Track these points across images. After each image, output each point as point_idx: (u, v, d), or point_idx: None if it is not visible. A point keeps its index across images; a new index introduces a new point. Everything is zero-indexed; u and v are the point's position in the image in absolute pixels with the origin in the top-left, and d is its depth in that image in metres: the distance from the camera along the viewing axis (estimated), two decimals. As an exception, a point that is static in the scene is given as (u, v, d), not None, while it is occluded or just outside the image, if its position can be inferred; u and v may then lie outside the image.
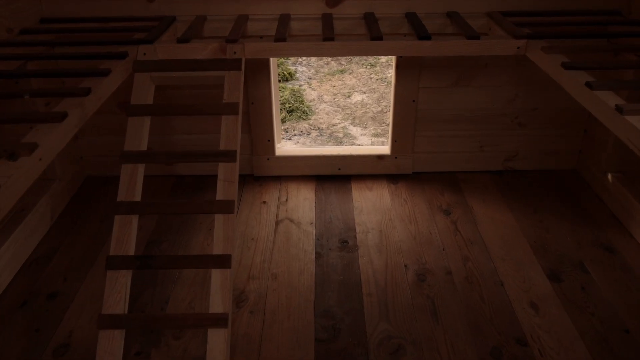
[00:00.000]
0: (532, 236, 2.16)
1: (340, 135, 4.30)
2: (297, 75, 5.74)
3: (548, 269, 1.97)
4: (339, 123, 4.59)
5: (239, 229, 2.24)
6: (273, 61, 2.53)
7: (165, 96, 2.46)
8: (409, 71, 2.39)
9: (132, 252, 1.60)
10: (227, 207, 1.63)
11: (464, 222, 2.26)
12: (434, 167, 2.63)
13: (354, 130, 4.40)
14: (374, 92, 5.27)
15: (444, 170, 2.64)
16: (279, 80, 5.76)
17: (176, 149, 2.59)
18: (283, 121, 4.80)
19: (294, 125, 4.67)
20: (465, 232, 2.19)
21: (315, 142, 3.97)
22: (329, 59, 6.26)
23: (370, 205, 2.40)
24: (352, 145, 3.75)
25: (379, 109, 4.93)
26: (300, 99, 5.10)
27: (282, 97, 5.08)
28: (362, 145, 3.44)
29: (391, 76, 6.19)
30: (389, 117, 2.54)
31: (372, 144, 3.67)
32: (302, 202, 2.43)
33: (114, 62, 1.77)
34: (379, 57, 6.21)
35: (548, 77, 1.76)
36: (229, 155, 1.70)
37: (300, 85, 5.54)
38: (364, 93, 5.33)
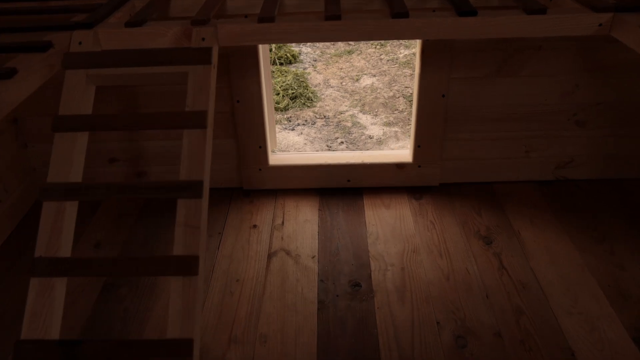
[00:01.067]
0: (604, 276, 1.64)
1: (349, 124, 3.79)
2: (302, 57, 5.21)
3: (633, 328, 1.46)
4: (347, 110, 4.07)
5: (221, 266, 1.74)
6: (264, 46, 2.00)
7: (124, 97, 1.94)
8: (438, 57, 1.85)
9: (54, 334, 1.11)
10: (187, 267, 1.13)
11: (511, 255, 1.74)
12: (467, 178, 2.11)
13: (364, 119, 3.89)
14: (385, 75, 4.74)
15: (479, 181, 2.12)
16: (281, 64, 5.21)
17: (143, 165, 2.08)
18: (285, 109, 4.29)
19: (298, 113, 4.16)
20: (514, 270, 1.68)
21: (320, 133, 3.46)
22: (336, 38, 5.68)
23: (389, 230, 1.89)
24: (362, 136, 3.25)
25: (391, 93, 4.40)
26: (305, 84, 4.59)
27: (284, 82, 4.56)
28: (376, 148, 2.91)
29: (403, 57, 5.60)
30: (412, 116, 2.02)
31: (384, 134, 3.18)
32: (301, 225, 1.93)
33: (29, 56, 1.26)
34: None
35: (620, 63, 1.22)
36: (192, 189, 1.20)
37: (304, 69, 5.01)
38: (374, 76, 4.79)
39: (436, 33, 1.41)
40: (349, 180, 2.11)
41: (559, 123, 2.00)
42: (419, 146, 2.03)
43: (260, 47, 1.89)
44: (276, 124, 4.22)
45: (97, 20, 1.47)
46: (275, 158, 2.11)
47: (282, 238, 1.87)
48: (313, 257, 1.77)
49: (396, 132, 3.79)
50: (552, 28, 1.38)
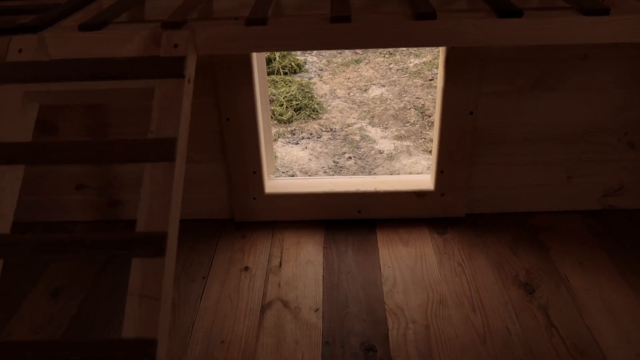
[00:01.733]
0: (678, 338, 1.32)
1: (357, 137, 3.51)
2: (307, 66, 4.94)
3: None
4: (355, 123, 3.79)
5: (203, 323, 1.43)
6: (260, 54, 1.70)
7: (93, 113, 1.65)
8: (466, 68, 1.55)
9: None
10: (140, 356, 0.82)
11: (560, 308, 1.42)
12: (499, 208, 1.80)
13: (373, 132, 3.61)
14: (395, 85, 4.46)
15: (513, 211, 1.80)
16: (285, 73, 4.94)
17: (113, 192, 1.78)
18: (289, 121, 4.01)
19: (303, 125, 3.87)
20: (566, 330, 1.36)
21: (326, 147, 3.20)
22: (342, 46, 5.41)
23: (408, 274, 1.57)
24: (371, 151, 2.98)
25: (401, 105, 4.12)
26: (310, 95, 4.31)
27: (288, 92, 4.29)
28: (387, 163, 2.61)
29: (413, 67, 5.31)
30: (434, 136, 1.71)
31: (395, 148, 2.92)
32: (303, 268, 1.62)
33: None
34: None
35: None
36: (152, 244, 0.89)
37: (310, 79, 4.73)
38: (383, 86, 4.51)
39: (470, 38, 1.10)
40: (359, 211, 1.80)
41: (608, 144, 1.68)
42: (442, 171, 1.72)
43: (255, 55, 1.59)
44: (279, 137, 3.91)
45: (46, 22, 1.17)
46: (273, 185, 1.80)
47: (279, 284, 1.55)
48: (316, 310, 1.46)
49: (408, 146, 3.50)
50: (617, 33, 1.08)
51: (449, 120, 1.63)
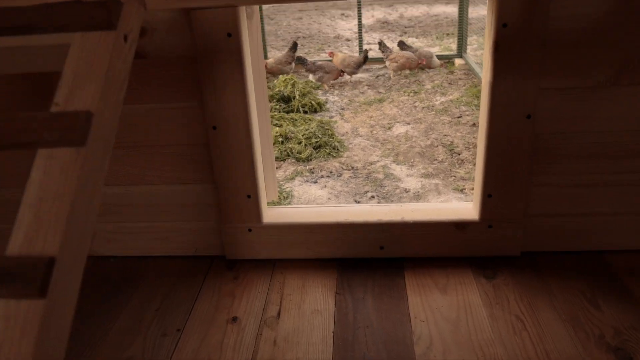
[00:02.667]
0: None
1: (380, 176, 3.18)
2: (328, 105, 4.67)
3: None
4: (378, 161, 3.46)
5: (167, 394, 1.04)
6: (248, 38, 1.37)
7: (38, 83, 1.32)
8: (522, 54, 1.18)
9: None
10: None
11: (673, 384, 0.99)
12: (566, 243, 1.38)
13: (398, 170, 3.27)
14: (420, 123, 4.14)
15: (584, 249, 1.38)
16: (305, 112, 4.67)
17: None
18: (308, 159, 3.69)
19: (322, 164, 3.55)
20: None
21: (347, 186, 2.89)
22: (365, 86, 5.16)
23: (448, 331, 1.16)
24: (396, 190, 2.66)
25: (428, 142, 3.78)
26: (330, 132, 4.01)
27: (307, 130, 3.99)
28: (416, 197, 2.23)
29: (440, 104, 4.93)
30: (478, 148, 1.33)
31: (423, 187, 2.60)
32: (307, 319, 1.22)
33: None
34: (423, 82, 5.08)
35: None
36: (25, 277, 0.52)
37: (330, 117, 4.43)
38: (408, 124, 4.20)
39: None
40: (382, 247, 1.40)
41: None
42: (489, 195, 1.33)
43: (246, 43, 1.25)
44: (296, 176, 3.57)
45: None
46: (273, 213, 1.43)
47: (275, 341, 1.16)
48: (323, 379, 1.05)
49: (437, 184, 3.12)
50: None
51: (499, 127, 1.25)
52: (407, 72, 5.30)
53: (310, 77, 5.15)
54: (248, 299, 1.30)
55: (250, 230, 1.39)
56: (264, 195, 1.41)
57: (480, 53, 5.72)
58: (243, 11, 1.20)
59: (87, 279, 1.35)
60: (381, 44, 5.53)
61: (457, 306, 1.23)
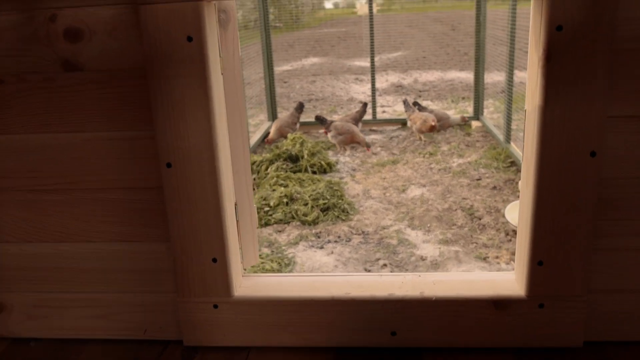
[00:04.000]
0: None
1: (394, 242, 2.82)
2: (338, 166, 4.39)
3: None
4: (392, 225, 3.12)
5: None
6: (217, 47, 1.06)
7: None
8: (582, 70, 0.87)
9: None
10: None
11: None
12: (647, 332, 1.01)
13: (413, 235, 2.92)
14: (437, 185, 3.82)
15: (674, 341, 1.00)
16: (314, 172, 4.39)
17: None
18: (314, 223, 3.37)
19: (330, 228, 3.23)
20: None
21: (357, 252, 2.56)
22: (378, 147, 4.91)
23: None
24: (411, 257, 2.36)
25: (446, 205, 3.45)
26: (340, 194, 3.70)
27: (315, 190, 3.69)
28: (433, 266, 1.88)
29: (457, 166, 4.66)
30: (522, 198, 0.99)
31: (441, 254, 2.34)
32: None
33: None
34: (439, 143, 4.83)
35: None
36: None
37: (341, 178, 4.14)
38: (424, 186, 3.88)
39: None
40: (394, 333, 1.04)
41: None
42: (539, 263, 0.97)
43: (214, 52, 0.96)
44: (300, 240, 3.22)
45: None
46: (249, 284, 1.08)
47: None
48: None
49: (457, 252, 2.77)
50: None
51: (553, 168, 0.91)
52: (428, 132, 5.04)
53: (329, 136, 4.93)
54: (206, 404, 0.93)
55: (216, 306, 1.04)
56: (237, 259, 1.07)
57: (497, 116, 5.47)
58: (211, 11, 0.92)
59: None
60: (406, 103, 5.33)
61: None
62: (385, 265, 2.78)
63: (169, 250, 1.03)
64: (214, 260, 1.01)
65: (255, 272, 2.87)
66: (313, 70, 8.68)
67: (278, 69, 7.78)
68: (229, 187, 1.02)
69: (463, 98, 6.75)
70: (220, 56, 0.97)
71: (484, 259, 2.85)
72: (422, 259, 2.81)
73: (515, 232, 3.13)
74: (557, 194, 0.92)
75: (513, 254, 3.07)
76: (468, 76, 7.56)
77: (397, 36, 8.47)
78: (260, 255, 3.13)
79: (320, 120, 5.11)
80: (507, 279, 1.07)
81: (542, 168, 0.92)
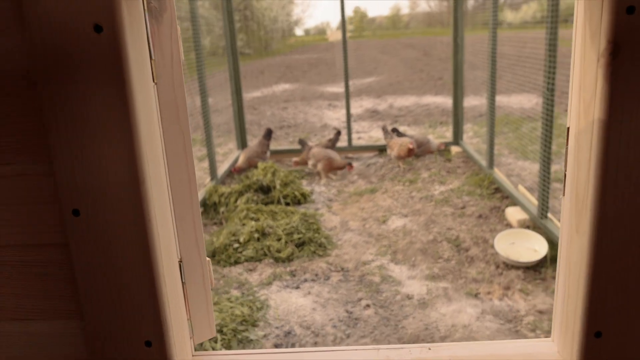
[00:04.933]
0: None
1: (376, 279, 2.58)
2: (313, 196, 4.12)
3: None
4: (373, 260, 2.87)
5: None
6: (142, 43, 0.78)
7: None
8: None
9: None
10: None
11: None
12: None
13: (397, 271, 2.67)
14: (419, 215, 3.60)
15: None
16: (287, 204, 4.10)
17: None
18: (289, 259, 3.08)
19: (306, 265, 2.94)
20: None
21: (336, 292, 2.34)
22: (355, 176, 4.66)
23: None
24: (396, 296, 2.19)
25: (430, 237, 3.21)
26: (316, 227, 3.41)
27: (288, 224, 3.40)
28: (419, 312, 1.65)
29: (439, 194, 4.51)
30: (567, 246, 0.73)
31: (429, 292, 2.28)
32: None
33: None
34: (419, 170, 4.63)
35: None
36: None
37: (316, 209, 3.87)
38: (405, 216, 3.65)
39: None
40: None
41: None
42: (597, 334, 0.70)
43: (137, 49, 0.68)
44: (273, 280, 2.92)
45: None
46: (199, 371, 0.79)
47: None
48: None
49: (445, 288, 2.52)
50: None
51: (623, 208, 0.65)
52: (406, 159, 4.83)
53: (310, 165, 4.70)
54: None
55: (151, 407, 0.74)
56: (183, 336, 0.77)
57: (476, 141, 5.31)
58: (130, -5, 0.64)
59: None
60: (384, 130, 5.13)
61: None
62: (368, 305, 2.50)
63: (84, 332, 0.73)
64: (148, 343, 0.71)
65: (222, 319, 2.54)
66: (284, 97, 8.48)
67: (248, 95, 7.56)
68: (167, 239, 0.73)
69: (441, 123, 6.60)
70: (151, 58, 0.69)
71: (475, 295, 2.59)
72: (409, 297, 2.55)
73: (506, 264, 2.89)
74: (627, 243, 0.66)
75: (505, 288, 2.82)
76: (444, 100, 7.45)
77: (369, 62, 8.38)
78: (229, 299, 2.79)
79: (302, 144, 4.90)
80: (548, 352, 0.79)
81: (604, 208, 0.66)
